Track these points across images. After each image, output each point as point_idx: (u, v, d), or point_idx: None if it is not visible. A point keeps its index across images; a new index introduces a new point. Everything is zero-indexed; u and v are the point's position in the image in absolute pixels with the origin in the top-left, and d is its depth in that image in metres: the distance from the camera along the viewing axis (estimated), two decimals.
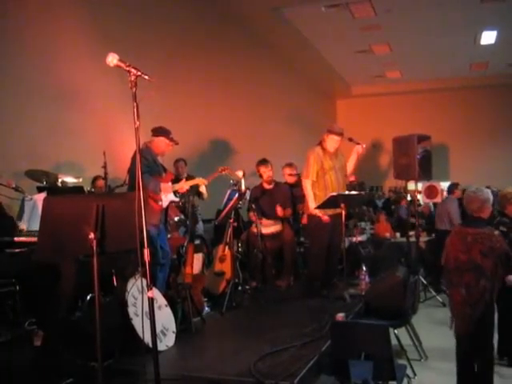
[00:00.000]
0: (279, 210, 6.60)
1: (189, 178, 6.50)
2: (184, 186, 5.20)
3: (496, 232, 3.86)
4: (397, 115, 15.65)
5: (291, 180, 7.03)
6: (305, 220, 6.71)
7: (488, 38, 11.62)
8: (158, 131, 4.98)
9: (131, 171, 4.80)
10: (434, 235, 8.75)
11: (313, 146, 6.02)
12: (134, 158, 4.77)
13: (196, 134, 8.38)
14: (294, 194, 6.95)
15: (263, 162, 6.80)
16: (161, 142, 4.99)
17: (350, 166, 6.14)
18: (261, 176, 6.81)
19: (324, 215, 5.75)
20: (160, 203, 4.87)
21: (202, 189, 6.15)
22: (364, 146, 6.02)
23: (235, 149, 9.55)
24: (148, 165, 4.76)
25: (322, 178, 5.85)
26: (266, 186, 6.84)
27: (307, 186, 5.89)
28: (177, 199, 5.18)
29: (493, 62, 13.54)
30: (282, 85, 12.48)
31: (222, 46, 9.47)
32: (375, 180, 15.35)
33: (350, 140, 6.08)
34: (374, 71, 14.51)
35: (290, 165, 7.22)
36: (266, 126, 11.41)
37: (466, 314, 3.94)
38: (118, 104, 6.16)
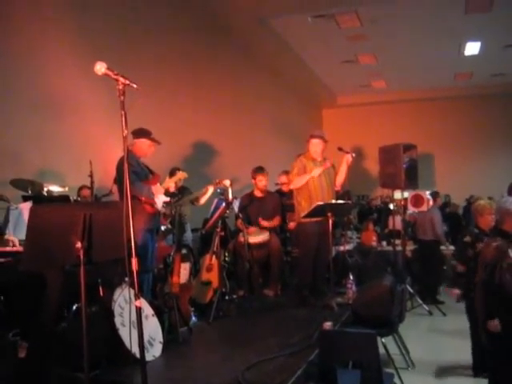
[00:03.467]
0: (263, 223, 6.62)
1: (183, 189, 6.52)
2: (170, 184, 5.18)
3: (495, 243, 3.86)
4: (383, 124, 15.79)
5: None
6: (292, 226, 6.74)
7: (472, 48, 11.80)
8: (139, 133, 4.93)
9: (119, 180, 4.77)
10: (415, 246, 8.82)
11: (297, 156, 6.07)
12: (119, 167, 4.75)
13: (183, 142, 8.39)
14: (283, 202, 6.97)
15: (261, 169, 6.82)
16: (143, 144, 4.95)
17: (341, 177, 6.14)
18: (255, 184, 6.82)
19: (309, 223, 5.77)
20: (156, 206, 4.87)
21: (210, 190, 6.16)
22: (354, 155, 6.06)
23: (222, 157, 9.55)
24: (134, 170, 4.73)
25: (305, 184, 5.86)
26: (258, 194, 6.85)
27: (294, 180, 5.90)
28: (168, 199, 5.16)
29: (477, 72, 13.75)
30: (269, 93, 12.54)
31: (209, 55, 9.51)
32: (362, 189, 15.42)
33: (340, 149, 6.11)
34: (360, 81, 14.64)
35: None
36: (253, 134, 11.45)
37: None
38: (105, 113, 6.13)
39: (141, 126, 4.95)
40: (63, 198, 5.23)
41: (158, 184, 5.00)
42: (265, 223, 6.65)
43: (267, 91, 12.46)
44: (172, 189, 5.23)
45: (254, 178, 6.83)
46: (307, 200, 5.82)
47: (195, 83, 8.99)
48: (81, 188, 6.16)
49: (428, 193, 9.10)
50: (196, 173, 8.12)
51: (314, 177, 5.85)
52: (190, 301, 5.29)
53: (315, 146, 5.95)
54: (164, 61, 8.14)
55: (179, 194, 5.65)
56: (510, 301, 3.70)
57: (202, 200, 6.51)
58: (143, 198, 4.68)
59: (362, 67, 13.12)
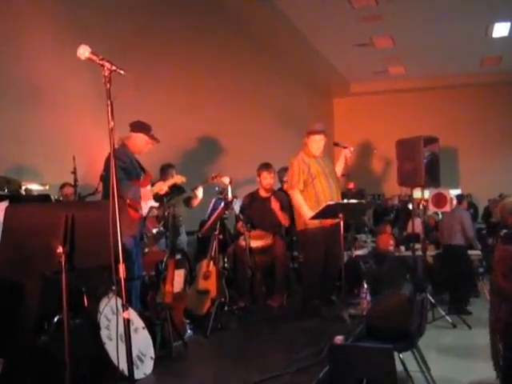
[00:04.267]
0: (274, 204, 6.59)
1: (176, 188, 6.53)
2: (162, 187, 5.19)
3: None
4: (401, 115, 15.77)
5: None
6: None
7: (501, 30, 11.75)
8: (137, 126, 4.96)
9: (105, 177, 4.79)
10: (440, 250, 8.81)
11: (296, 153, 6.07)
12: (107, 162, 4.76)
13: (179, 135, 8.38)
14: (290, 202, 6.97)
15: (266, 166, 6.83)
16: (139, 140, 4.98)
17: (338, 170, 6.19)
18: (260, 181, 6.84)
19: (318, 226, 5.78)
20: (140, 211, 4.87)
21: (199, 192, 6.17)
22: (352, 149, 6.07)
23: (223, 151, 9.57)
24: (125, 167, 4.74)
25: (310, 184, 5.88)
26: (263, 194, 6.86)
27: (295, 195, 5.94)
28: (156, 204, 5.17)
29: (506, 56, 13.70)
30: (274, 82, 12.54)
31: (208, 39, 9.49)
32: (377, 187, 15.43)
33: (336, 145, 6.13)
34: (376, 66, 14.62)
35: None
36: (257, 126, 11.45)
37: (494, 343, 3.95)
38: (90, 102, 6.15)
39: (139, 119, 5.01)
40: (43, 198, 5.23)
41: (149, 186, 5.01)
42: (277, 205, 6.62)
43: (272, 78, 12.45)
44: (163, 192, 5.24)
45: (259, 175, 6.85)
46: (315, 201, 5.83)
47: (192, 70, 8.99)
48: (63, 186, 6.17)
49: (456, 192, 9.11)
50: (191, 169, 8.12)
51: (321, 176, 5.87)
52: (185, 312, 5.30)
53: (317, 142, 5.98)
54: (157, 45, 8.13)
55: (171, 194, 5.66)
56: None
57: (195, 203, 6.55)
58: (128, 200, 4.67)
59: (377, 51, 13.11)
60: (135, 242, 4.85)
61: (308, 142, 6.01)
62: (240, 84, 10.94)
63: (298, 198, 5.93)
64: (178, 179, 5.48)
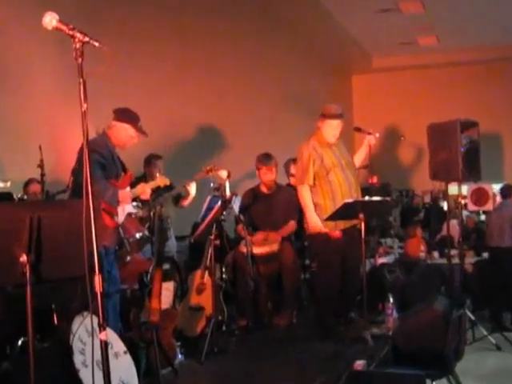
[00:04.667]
0: (272, 237, 6.59)
1: (160, 188, 6.55)
2: (146, 189, 5.18)
3: None
4: (433, 95, 15.73)
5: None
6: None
7: None
8: (123, 115, 4.94)
9: (78, 172, 4.77)
10: (486, 255, 8.78)
11: (306, 139, 6.04)
12: (81, 154, 4.75)
13: (168, 120, 8.38)
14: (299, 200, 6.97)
15: (266, 160, 6.77)
16: (123, 131, 4.97)
17: (359, 160, 6.19)
18: (259, 176, 6.82)
19: (333, 230, 5.77)
20: (116, 218, 4.85)
21: (191, 189, 6.17)
22: (377, 135, 6.07)
23: (220, 140, 9.57)
24: (103, 163, 4.73)
25: (324, 179, 5.87)
26: (264, 190, 6.85)
27: (304, 193, 5.93)
28: (135, 211, 5.17)
29: None
30: (282, 57, 12.52)
31: (201, 5, 9.46)
32: (405, 182, 15.41)
33: (358, 130, 6.12)
34: (403, 36, 14.59)
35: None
36: (261, 110, 11.43)
37: None
38: (59, 82, 6.14)
39: (127, 107, 4.99)
40: (4, 196, 5.24)
41: (128, 188, 4.99)
42: (274, 236, 6.61)
43: (280, 53, 12.42)
44: (146, 196, 5.23)
45: (258, 170, 6.83)
46: (331, 199, 5.82)
47: (182, 43, 8.99)
48: (28, 183, 6.17)
49: (497, 188, 9.04)
50: (182, 160, 8.12)
51: (337, 168, 5.86)
52: (175, 333, 5.30)
53: (333, 128, 5.96)
54: (140, 13, 8.12)
55: (157, 191, 5.67)
56: None
57: (186, 202, 6.55)
58: (104, 204, 4.66)
59: (404, 18, 13.08)
60: (106, 253, 4.82)
61: (322, 126, 5.98)
62: (240, 59, 10.91)
63: (306, 198, 5.91)
64: (160, 181, 5.48)
